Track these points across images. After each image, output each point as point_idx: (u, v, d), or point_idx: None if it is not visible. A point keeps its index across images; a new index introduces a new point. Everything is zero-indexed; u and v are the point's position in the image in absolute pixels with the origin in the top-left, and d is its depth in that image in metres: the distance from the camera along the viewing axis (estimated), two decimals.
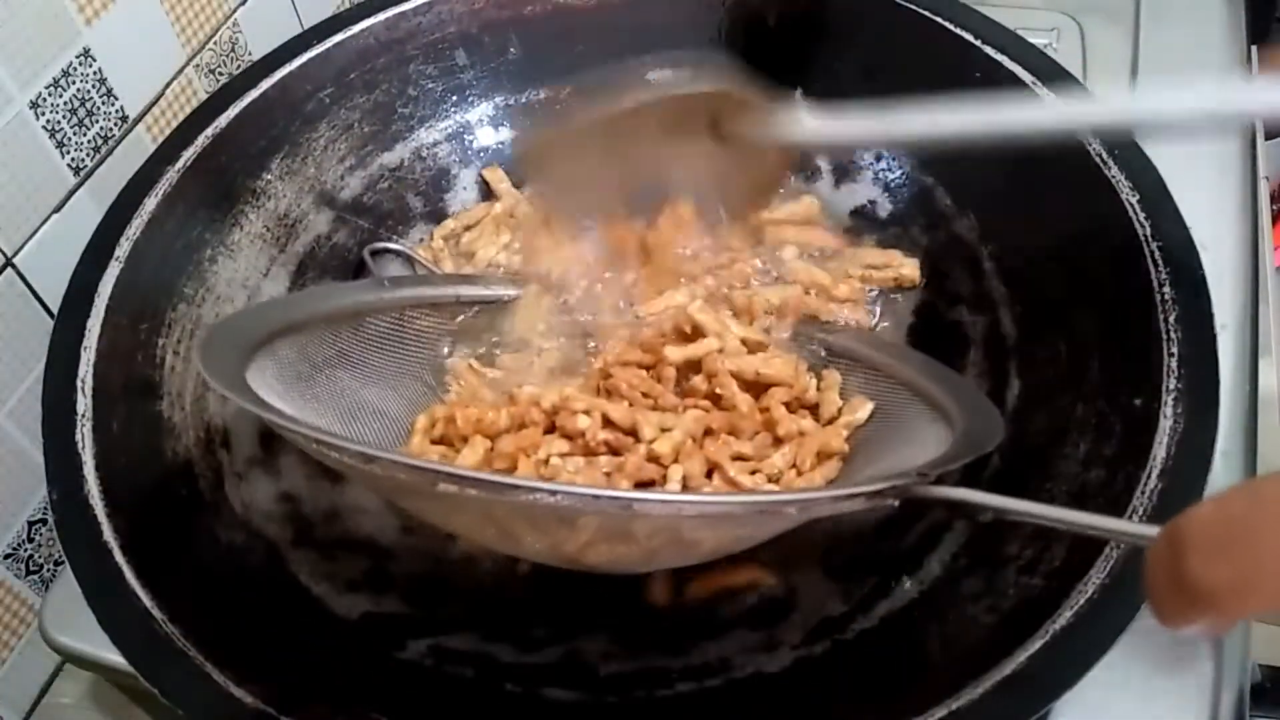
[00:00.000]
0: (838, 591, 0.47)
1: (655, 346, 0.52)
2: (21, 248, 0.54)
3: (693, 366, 0.51)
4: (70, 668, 0.59)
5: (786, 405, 0.50)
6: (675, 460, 0.47)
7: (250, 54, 0.68)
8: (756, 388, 0.51)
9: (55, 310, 0.54)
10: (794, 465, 0.48)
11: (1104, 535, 0.37)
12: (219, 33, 0.65)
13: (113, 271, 0.50)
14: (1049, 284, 0.52)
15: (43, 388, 0.47)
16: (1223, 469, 0.51)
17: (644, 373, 0.51)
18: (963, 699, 0.37)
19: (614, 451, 0.48)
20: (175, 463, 0.48)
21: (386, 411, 0.52)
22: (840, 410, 0.51)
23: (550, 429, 0.49)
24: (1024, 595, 0.41)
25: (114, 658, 0.40)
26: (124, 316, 0.49)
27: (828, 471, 0.48)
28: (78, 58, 0.56)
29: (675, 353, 0.51)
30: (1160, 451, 0.42)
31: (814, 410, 0.51)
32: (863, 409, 0.50)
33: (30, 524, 0.58)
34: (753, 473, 0.48)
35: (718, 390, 0.50)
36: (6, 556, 0.57)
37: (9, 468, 0.56)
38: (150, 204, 0.52)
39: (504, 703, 0.44)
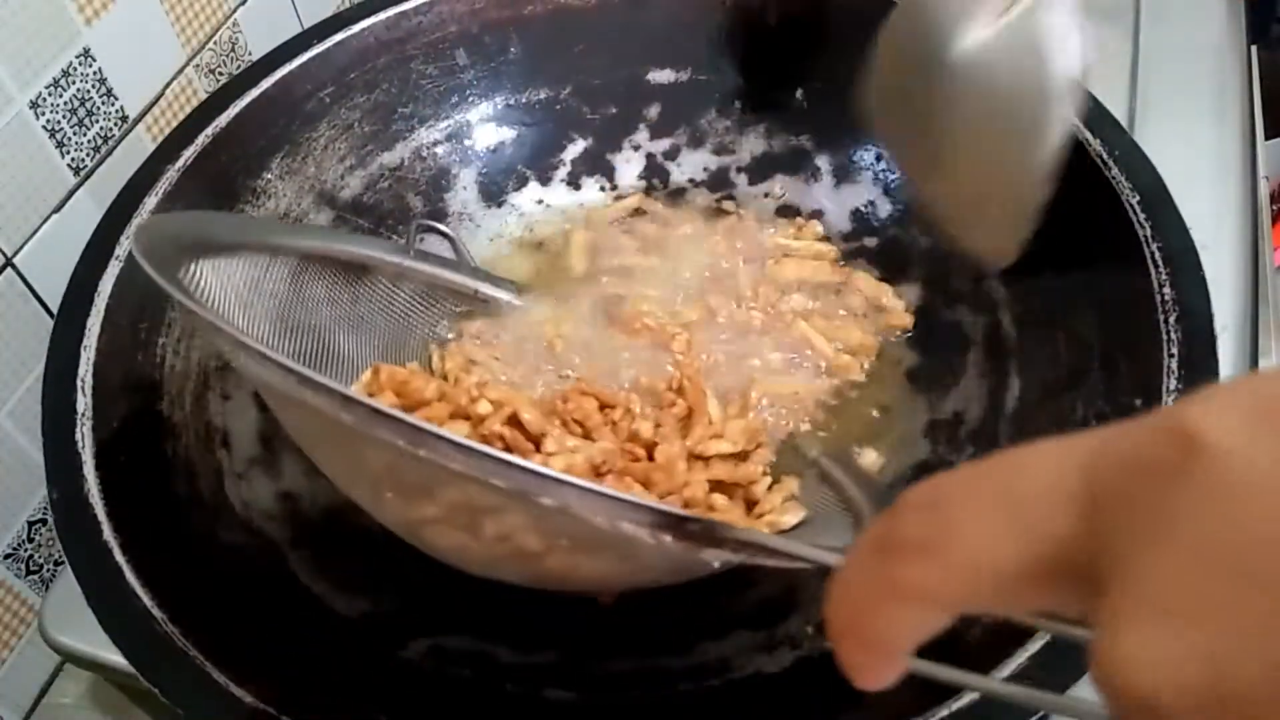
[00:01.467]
0: None
1: (625, 402, 0.51)
2: (21, 248, 0.54)
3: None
4: (70, 668, 0.59)
5: (721, 484, 0.49)
6: None
7: (250, 54, 0.68)
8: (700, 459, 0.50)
9: (55, 310, 0.54)
10: None
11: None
12: (219, 33, 0.65)
13: (113, 271, 0.50)
14: (1049, 285, 0.52)
15: (43, 387, 0.47)
16: None
17: (595, 407, 0.50)
18: (964, 699, 0.37)
19: (509, 449, 0.45)
20: (175, 462, 0.48)
21: (349, 359, 0.52)
22: (772, 509, 0.49)
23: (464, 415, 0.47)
24: None
25: (114, 658, 0.40)
26: (124, 316, 0.49)
27: None
28: (78, 58, 0.56)
29: (645, 427, 0.49)
30: None
31: (751, 504, 0.49)
32: (793, 515, 0.48)
33: (30, 524, 0.58)
34: None
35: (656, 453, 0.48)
36: (6, 556, 0.57)
37: (9, 468, 0.56)
38: (150, 203, 0.52)
39: (504, 703, 0.44)
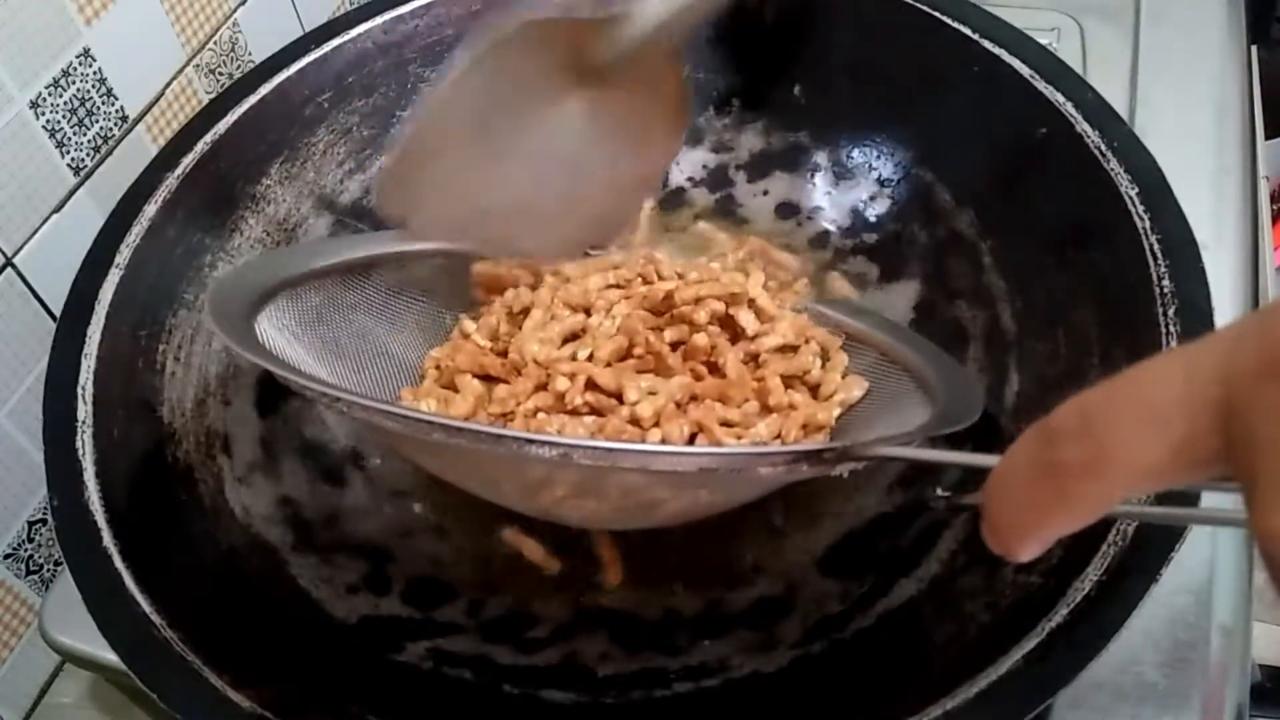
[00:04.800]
0: (836, 591, 0.47)
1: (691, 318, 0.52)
2: (21, 248, 0.54)
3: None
4: (70, 668, 0.59)
5: (784, 379, 0.50)
6: (656, 424, 0.47)
7: (250, 54, 0.68)
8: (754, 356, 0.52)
9: (55, 310, 0.54)
10: (779, 435, 0.48)
11: None
12: (219, 33, 0.65)
13: (113, 279, 0.50)
14: (1048, 278, 0.51)
15: (44, 395, 0.47)
16: None
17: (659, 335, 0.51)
18: (960, 697, 0.37)
19: (598, 412, 0.48)
20: (175, 469, 0.48)
21: (407, 359, 0.53)
22: (836, 388, 0.51)
23: (544, 385, 0.50)
24: (1021, 593, 0.41)
25: (114, 658, 0.40)
26: (124, 323, 0.49)
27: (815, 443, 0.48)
28: (78, 58, 0.56)
29: (701, 339, 0.50)
30: None
31: (814, 389, 0.51)
32: (858, 388, 0.50)
33: (30, 524, 0.58)
34: (737, 439, 0.48)
35: (716, 359, 0.50)
36: (6, 556, 0.57)
37: (9, 468, 0.56)
38: (150, 210, 0.52)
39: (503, 704, 0.45)
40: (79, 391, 0.47)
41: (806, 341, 0.52)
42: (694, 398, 0.49)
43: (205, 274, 0.54)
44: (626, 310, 0.52)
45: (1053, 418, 0.23)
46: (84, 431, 0.46)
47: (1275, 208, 0.79)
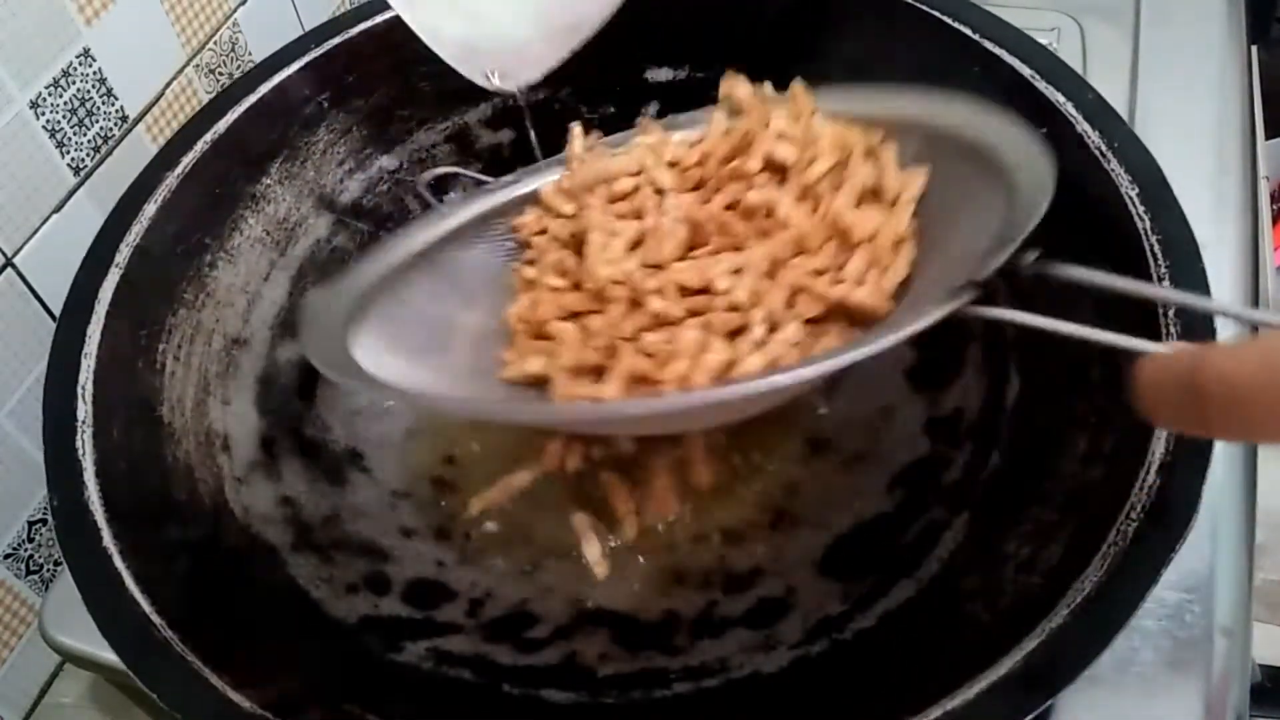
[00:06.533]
0: (836, 591, 0.47)
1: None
2: (21, 248, 0.54)
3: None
4: (70, 668, 0.59)
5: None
6: (756, 303, 0.45)
7: (250, 54, 0.68)
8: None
9: (55, 310, 0.55)
10: (872, 264, 0.45)
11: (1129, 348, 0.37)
12: (219, 33, 0.65)
13: (113, 278, 0.50)
14: (1047, 278, 0.51)
15: (43, 395, 0.47)
16: (1222, 465, 0.51)
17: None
18: (960, 698, 0.37)
19: (696, 313, 0.46)
20: (175, 468, 0.48)
21: (480, 329, 0.51)
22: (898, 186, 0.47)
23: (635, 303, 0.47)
24: (1022, 594, 0.41)
25: (114, 658, 0.40)
26: (124, 322, 0.49)
27: (907, 254, 0.46)
28: (78, 58, 0.56)
29: (753, 196, 0.48)
30: (1159, 447, 0.41)
31: (875, 193, 0.48)
32: (918, 178, 0.47)
33: (30, 524, 0.58)
34: (837, 284, 0.45)
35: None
36: (6, 556, 0.57)
37: (9, 468, 0.56)
38: (150, 209, 0.52)
39: (502, 704, 0.45)
40: (79, 391, 0.46)
41: (850, 155, 0.49)
42: (781, 261, 0.46)
43: (205, 273, 0.54)
44: (675, 202, 0.50)
45: (1199, 374, 0.26)
46: (84, 431, 0.46)
47: (1275, 208, 0.80)
